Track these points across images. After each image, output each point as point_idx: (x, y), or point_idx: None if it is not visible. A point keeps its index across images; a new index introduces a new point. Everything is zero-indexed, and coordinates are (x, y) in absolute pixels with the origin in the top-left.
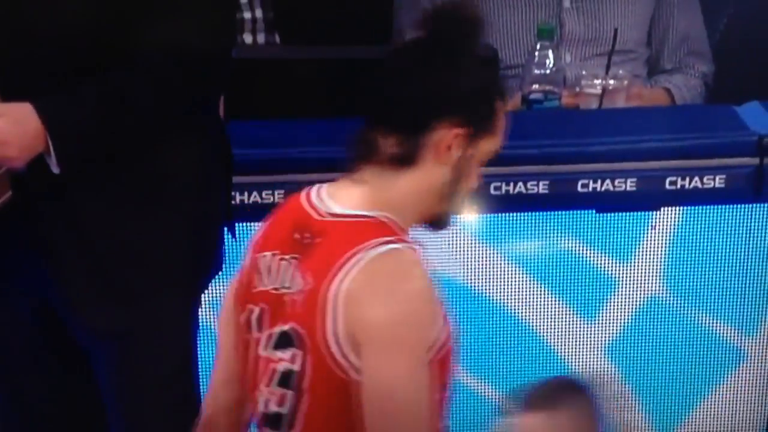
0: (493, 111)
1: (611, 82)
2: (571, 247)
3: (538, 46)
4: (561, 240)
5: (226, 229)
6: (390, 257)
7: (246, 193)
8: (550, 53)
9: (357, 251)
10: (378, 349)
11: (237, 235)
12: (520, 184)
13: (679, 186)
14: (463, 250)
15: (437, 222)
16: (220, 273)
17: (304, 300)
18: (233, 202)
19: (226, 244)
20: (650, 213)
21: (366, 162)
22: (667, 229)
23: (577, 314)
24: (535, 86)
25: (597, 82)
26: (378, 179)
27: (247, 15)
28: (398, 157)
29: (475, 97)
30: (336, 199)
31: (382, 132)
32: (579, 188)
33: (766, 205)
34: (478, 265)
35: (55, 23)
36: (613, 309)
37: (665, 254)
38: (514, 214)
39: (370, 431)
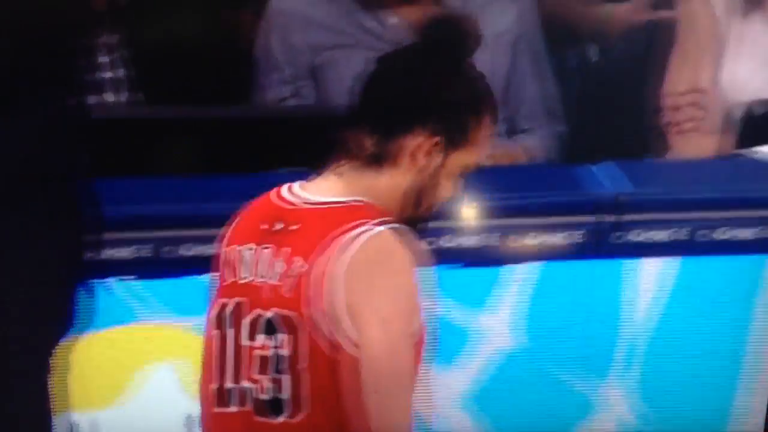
0: (468, 126)
1: None
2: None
3: None
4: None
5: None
6: (386, 237)
7: (113, 249)
8: None
9: (348, 230)
10: (378, 323)
11: (99, 292)
12: None
13: (539, 241)
14: None
15: (411, 226)
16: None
17: (294, 284)
18: (100, 257)
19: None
20: (511, 267)
21: (345, 158)
22: (526, 283)
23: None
24: None
25: None
26: (355, 173)
27: (108, 74)
28: (374, 156)
29: (450, 109)
30: (309, 190)
31: (363, 131)
32: (444, 244)
33: (621, 260)
34: None
35: None
36: (469, 360)
37: (524, 307)
38: None
39: (368, 401)
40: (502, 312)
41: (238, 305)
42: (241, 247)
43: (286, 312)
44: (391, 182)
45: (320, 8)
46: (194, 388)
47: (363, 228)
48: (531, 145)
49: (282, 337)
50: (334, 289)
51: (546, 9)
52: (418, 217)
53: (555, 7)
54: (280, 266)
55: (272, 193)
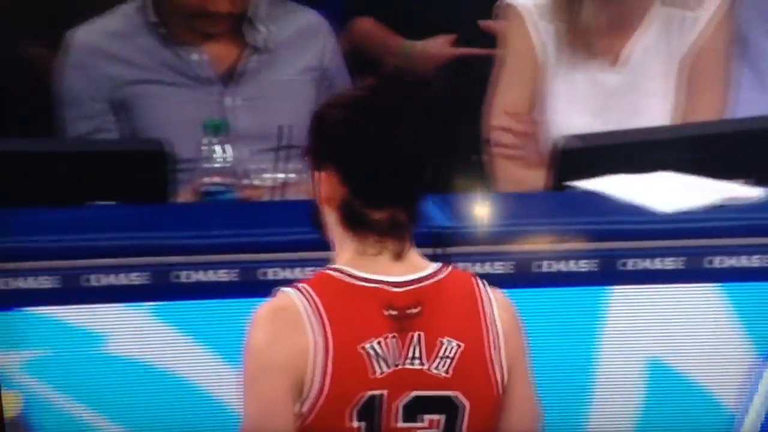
0: None
1: (292, 175)
2: None
3: (207, 141)
4: None
5: None
6: (500, 291)
7: None
8: (224, 147)
9: (478, 301)
10: (527, 369)
11: None
12: None
13: None
14: None
15: None
16: None
17: (457, 362)
18: None
19: None
20: None
21: (385, 238)
22: None
23: None
24: (213, 179)
25: (275, 175)
26: (408, 244)
27: None
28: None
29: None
30: (389, 271)
31: (397, 211)
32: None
33: None
34: None
35: None
36: None
37: None
38: None
39: None
40: None
41: (383, 396)
42: (368, 343)
43: (440, 392)
44: None
45: (120, 43)
46: None
47: (481, 294)
48: None
49: (431, 418)
50: (499, 356)
51: (350, 44)
52: None
53: (359, 42)
54: (422, 347)
55: (353, 280)
